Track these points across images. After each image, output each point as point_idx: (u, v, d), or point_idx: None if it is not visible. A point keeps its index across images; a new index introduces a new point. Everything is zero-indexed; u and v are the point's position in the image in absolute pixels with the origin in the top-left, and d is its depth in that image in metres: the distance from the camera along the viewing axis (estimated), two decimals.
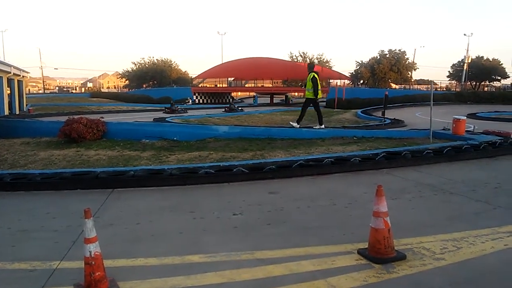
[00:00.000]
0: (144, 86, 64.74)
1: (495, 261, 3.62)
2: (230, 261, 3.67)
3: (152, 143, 10.88)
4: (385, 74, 60.89)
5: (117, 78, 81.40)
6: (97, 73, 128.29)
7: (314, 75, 11.85)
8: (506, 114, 22.40)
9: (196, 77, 61.15)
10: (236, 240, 4.22)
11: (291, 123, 12.62)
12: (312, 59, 68.10)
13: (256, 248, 3.95)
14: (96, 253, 3.04)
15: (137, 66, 67.26)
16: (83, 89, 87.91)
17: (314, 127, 12.47)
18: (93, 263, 3.02)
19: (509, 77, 60.08)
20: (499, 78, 63.12)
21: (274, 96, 52.98)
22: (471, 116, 19.86)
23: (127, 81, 70.82)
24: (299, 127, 12.21)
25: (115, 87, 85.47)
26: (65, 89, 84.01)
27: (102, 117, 13.96)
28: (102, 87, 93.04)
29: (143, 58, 68.49)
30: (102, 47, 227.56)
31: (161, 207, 5.44)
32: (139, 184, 6.41)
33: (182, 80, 64.58)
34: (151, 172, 6.78)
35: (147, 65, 66.51)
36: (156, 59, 67.45)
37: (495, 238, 4.14)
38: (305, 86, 12.74)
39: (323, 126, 12.37)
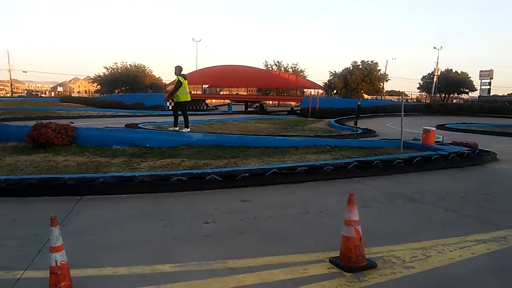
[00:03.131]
0: (116, 91, 63.61)
1: (463, 269, 3.71)
2: (201, 270, 3.62)
3: (123, 149, 10.68)
4: (358, 84, 61.94)
5: (89, 82, 79.83)
6: (68, 77, 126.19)
7: (178, 79, 11.89)
8: (474, 125, 23.16)
9: (170, 83, 60.64)
10: (207, 249, 4.17)
11: (175, 130, 12.75)
12: (287, 68, 68.73)
13: (228, 257, 3.91)
14: (63, 262, 2.95)
15: (109, 71, 65.84)
16: (52, 93, 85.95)
17: (181, 131, 12.56)
18: (59, 272, 2.92)
19: (476, 89, 62.13)
20: (467, 90, 65.25)
21: (249, 104, 53.14)
22: (440, 127, 20.46)
23: (98, 86, 69.38)
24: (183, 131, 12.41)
25: (86, 92, 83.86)
26: (34, 93, 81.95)
27: (72, 122, 13.59)
28: (73, 92, 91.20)
29: (115, 63, 66.94)
30: (74, 51, 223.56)
31: (131, 215, 5.32)
32: (109, 191, 6.26)
33: (156, 86, 63.86)
34: (121, 179, 6.64)
35: (119, 70, 65.21)
36: (129, 64, 66.21)
37: (463, 246, 4.24)
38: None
39: (189, 129, 12.67)
